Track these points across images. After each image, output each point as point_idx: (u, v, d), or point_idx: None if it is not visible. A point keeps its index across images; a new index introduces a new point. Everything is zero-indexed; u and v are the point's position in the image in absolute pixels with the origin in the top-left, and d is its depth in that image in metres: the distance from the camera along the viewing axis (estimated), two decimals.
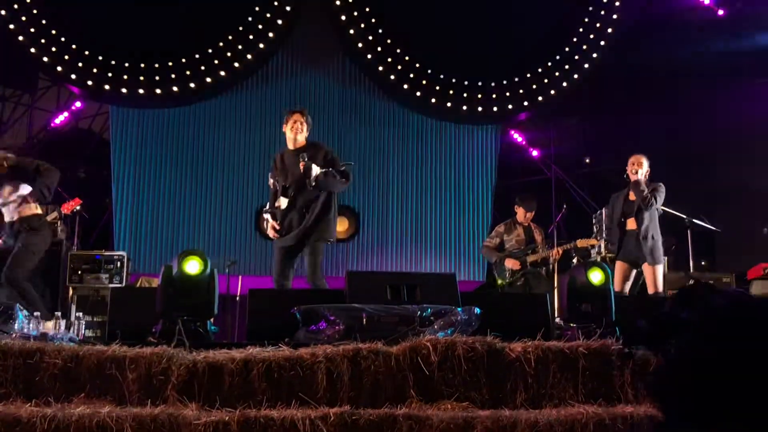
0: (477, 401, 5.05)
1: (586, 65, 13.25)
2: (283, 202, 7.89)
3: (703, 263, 11.56)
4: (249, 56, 12.83)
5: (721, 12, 13.12)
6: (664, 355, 4.66)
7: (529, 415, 4.71)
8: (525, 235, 10.35)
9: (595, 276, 6.37)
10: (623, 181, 9.01)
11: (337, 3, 13.00)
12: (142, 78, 12.36)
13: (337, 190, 7.99)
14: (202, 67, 12.58)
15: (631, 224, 8.80)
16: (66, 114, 13.44)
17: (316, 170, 7.77)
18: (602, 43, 13.24)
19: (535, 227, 10.49)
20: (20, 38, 12.02)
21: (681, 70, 12.80)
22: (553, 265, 10.38)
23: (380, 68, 13.11)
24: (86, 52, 12.19)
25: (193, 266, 6.06)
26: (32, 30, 12.01)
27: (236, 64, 12.78)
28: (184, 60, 12.49)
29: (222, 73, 12.73)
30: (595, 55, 13.24)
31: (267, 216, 8.02)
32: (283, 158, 8.07)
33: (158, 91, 12.45)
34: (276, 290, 7.83)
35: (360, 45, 13.08)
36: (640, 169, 8.83)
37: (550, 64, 13.26)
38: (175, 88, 12.51)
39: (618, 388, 5.20)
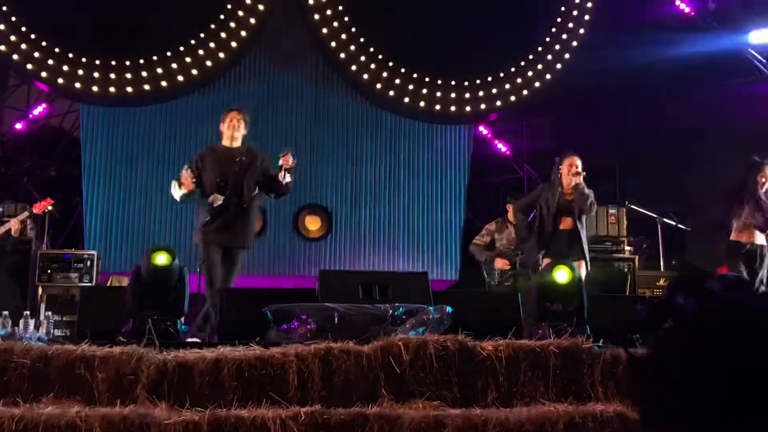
0: (448, 400, 5.07)
1: (559, 65, 13.30)
2: (218, 199, 7.72)
3: (673, 262, 11.63)
4: (222, 55, 12.76)
5: (692, 13, 13.22)
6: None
7: (500, 413, 4.72)
8: (516, 234, 10.29)
9: (561, 275, 6.40)
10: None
11: (310, 2, 12.96)
12: (113, 76, 12.26)
13: (284, 193, 8.10)
14: (174, 66, 12.50)
15: (566, 224, 8.76)
16: (37, 111, 13.29)
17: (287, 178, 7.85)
18: (575, 43, 13.30)
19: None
20: None
21: (653, 70, 12.88)
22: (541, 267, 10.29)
23: (353, 67, 13.10)
24: (56, 50, 12.08)
25: (161, 258, 6.06)
26: (2, 27, 11.90)
27: (209, 63, 12.71)
28: (155, 58, 12.41)
29: (194, 72, 12.65)
30: (567, 56, 13.29)
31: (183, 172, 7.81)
32: (216, 153, 7.99)
33: (129, 89, 12.36)
34: (248, 289, 7.80)
35: (333, 44, 13.05)
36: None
37: (522, 63, 13.30)
38: (147, 87, 12.43)
39: (588, 387, 5.24)
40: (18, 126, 13.18)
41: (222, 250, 7.72)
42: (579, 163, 8.81)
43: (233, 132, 8.04)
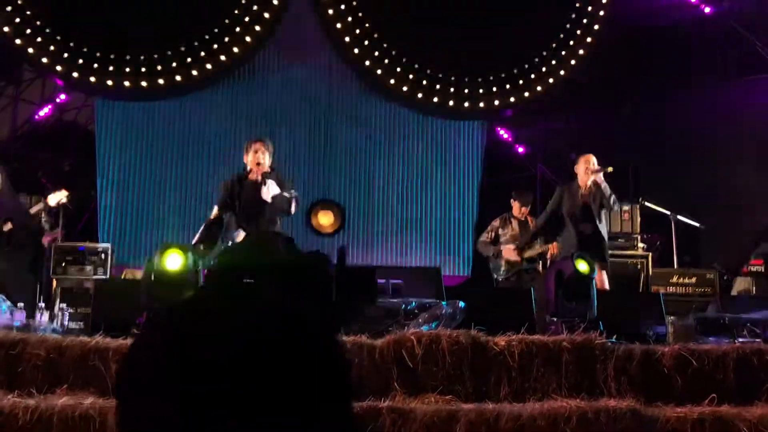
0: (461, 394, 5.07)
1: (573, 62, 13.26)
2: (241, 235, 7.66)
3: (686, 259, 11.60)
4: (235, 50, 12.77)
5: (707, 10, 13.16)
6: None
7: (513, 408, 4.72)
8: (520, 229, 10.30)
9: (581, 266, 6.41)
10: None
11: None
12: (127, 70, 12.28)
13: (285, 211, 7.85)
14: (189, 60, 12.51)
15: (586, 227, 8.79)
16: (51, 106, 13.34)
17: (274, 189, 7.67)
18: (589, 40, 13.26)
19: (532, 221, 10.43)
20: (5, 29, 11.94)
21: (667, 67, 12.85)
22: (550, 260, 10.20)
23: (367, 63, 13.09)
24: (71, 44, 12.11)
25: (174, 263, 6.02)
26: (17, 21, 11.94)
27: (223, 58, 12.72)
28: (169, 52, 12.43)
29: (208, 66, 12.66)
30: (581, 52, 13.25)
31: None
32: (242, 186, 7.90)
33: (144, 83, 12.39)
34: None
35: (347, 39, 13.04)
36: None
37: (537, 60, 13.26)
38: (161, 81, 12.45)
39: (601, 382, 5.24)
40: (42, 113, 13.23)
41: None
42: (594, 160, 8.83)
43: (256, 164, 7.87)
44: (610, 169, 8.86)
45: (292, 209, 7.82)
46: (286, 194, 7.73)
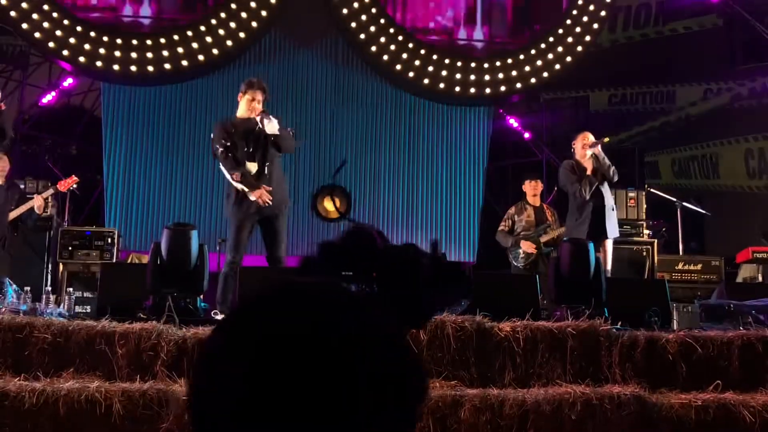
0: (465, 380, 5.09)
1: (579, 48, 13.23)
2: (252, 167, 7.71)
3: (693, 245, 11.60)
4: (242, 35, 12.76)
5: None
6: None
7: (517, 393, 4.74)
8: (535, 215, 10.25)
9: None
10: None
11: None
12: (134, 55, 12.29)
13: (286, 147, 7.98)
14: (195, 45, 12.52)
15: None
16: (67, 83, 13.33)
17: (275, 123, 7.74)
18: (595, 26, 13.22)
19: (547, 207, 10.40)
20: (12, 14, 11.94)
21: (672, 53, 12.82)
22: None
23: (373, 48, 13.06)
24: (78, 28, 12.12)
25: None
26: (24, 6, 11.94)
27: (229, 43, 12.70)
28: (176, 38, 12.42)
29: (215, 51, 12.65)
30: (588, 38, 13.22)
31: (239, 185, 7.58)
32: (236, 126, 7.92)
33: (150, 68, 12.38)
34: (267, 268, 7.82)
35: (353, 24, 13.02)
36: None
37: (543, 46, 13.23)
38: (167, 66, 12.45)
39: (606, 368, 5.25)
40: (47, 99, 13.22)
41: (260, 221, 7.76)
42: (591, 136, 8.88)
43: (253, 112, 7.92)
44: (606, 139, 8.90)
45: (293, 144, 8.06)
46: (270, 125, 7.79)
